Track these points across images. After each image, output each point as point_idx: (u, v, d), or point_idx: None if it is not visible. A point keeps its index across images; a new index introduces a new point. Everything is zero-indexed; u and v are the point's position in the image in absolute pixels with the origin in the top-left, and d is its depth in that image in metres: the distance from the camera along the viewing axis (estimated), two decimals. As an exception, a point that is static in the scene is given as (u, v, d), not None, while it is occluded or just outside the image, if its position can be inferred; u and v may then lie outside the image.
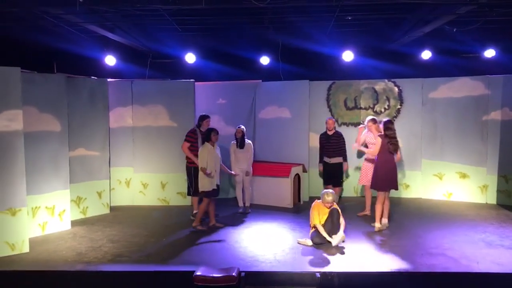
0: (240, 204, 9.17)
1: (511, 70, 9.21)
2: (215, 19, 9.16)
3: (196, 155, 7.92)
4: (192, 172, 8.21)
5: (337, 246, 6.80)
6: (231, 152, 9.00)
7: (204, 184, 7.69)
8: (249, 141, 9.09)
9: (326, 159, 9.08)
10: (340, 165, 9.05)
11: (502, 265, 6.02)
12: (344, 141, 9.10)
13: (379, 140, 7.66)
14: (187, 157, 8.34)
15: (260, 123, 10.44)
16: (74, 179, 8.40)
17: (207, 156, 7.65)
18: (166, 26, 9.57)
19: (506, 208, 8.99)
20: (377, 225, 7.68)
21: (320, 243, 6.89)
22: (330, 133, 9.09)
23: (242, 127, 9.02)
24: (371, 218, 8.19)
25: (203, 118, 8.47)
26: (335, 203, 7.06)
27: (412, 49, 10.29)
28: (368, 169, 8.39)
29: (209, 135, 7.75)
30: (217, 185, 7.84)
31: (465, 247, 6.79)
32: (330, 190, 7.10)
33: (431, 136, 10.07)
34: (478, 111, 9.58)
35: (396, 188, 7.91)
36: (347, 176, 10.23)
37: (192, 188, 8.29)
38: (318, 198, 7.17)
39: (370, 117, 8.53)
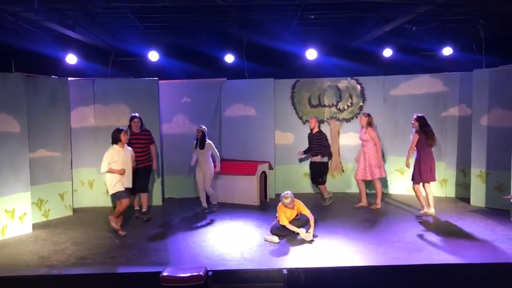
0: (204, 204, 8.95)
1: (467, 67, 9.52)
2: (178, 16, 9.09)
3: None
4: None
5: (303, 240, 6.97)
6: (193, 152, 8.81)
7: (109, 186, 7.55)
8: (210, 141, 8.85)
9: (311, 158, 9.32)
10: (321, 164, 9.16)
11: (462, 256, 6.24)
12: (325, 141, 9.20)
13: (416, 136, 8.18)
14: None
15: (225, 122, 10.43)
16: (35, 181, 8.17)
17: (115, 158, 7.43)
18: (129, 24, 9.43)
19: (464, 201, 9.32)
20: (432, 210, 8.22)
21: (278, 235, 7.07)
22: (313, 132, 9.25)
23: (203, 127, 8.83)
24: (351, 212, 8.34)
25: (131, 118, 8.45)
26: (296, 200, 7.16)
27: (373, 47, 10.50)
28: (371, 164, 8.85)
29: (118, 136, 7.53)
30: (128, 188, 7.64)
31: (426, 239, 7.01)
32: (287, 192, 7.11)
33: (392, 132, 10.31)
34: (437, 107, 9.87)
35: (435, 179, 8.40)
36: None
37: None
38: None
39: (365, 111, 9.08)
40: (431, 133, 8.21)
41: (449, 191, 9.89)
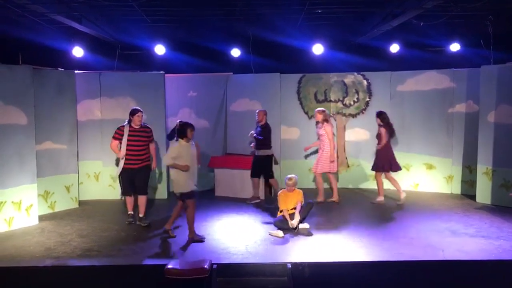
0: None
1: (475, 63, 9.46)
2: (185, 10, 9.08)
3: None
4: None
5: (307, 234, 7.01)
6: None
7: (184, 184, 6.83)
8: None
9: (255, 151, 9.20)
10: (267, 158, 9.12)
11: (467, 253, 6.23)
12: (269, 134, 9.10)
13: (383, 130, 8.83)
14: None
15: (231, 116, 10.44)
16: (41, 173, 8.21)
17: (183, 154, 6.75)
18: (135, 17, 9.43)
19: (470, 198, 9.28)
20: (403, 196, 8.93)
21: (282, 228, 7.12)
22: (259, 125, 9.15)
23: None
24: (356, 207, 8.35)
25: (133, 112, 7.65)
26: (297, 189, 7.34)
27: (380, 42, 10.45)
28: (324, 158, 8.84)
29: (185, 131, 6.86)
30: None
31: (431, 235, 6.99)
32: (292, 175, 7.39)
33: (398, 128, 10.22)
34: (444, 104, 9.83)
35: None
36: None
37: (122, 189, 7.89)
38: None
39: (320, 108, 9.07)
40: (392, 127, 8.97)
41: (455, 187, 9.85)
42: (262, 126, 9.13)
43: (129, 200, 7.87)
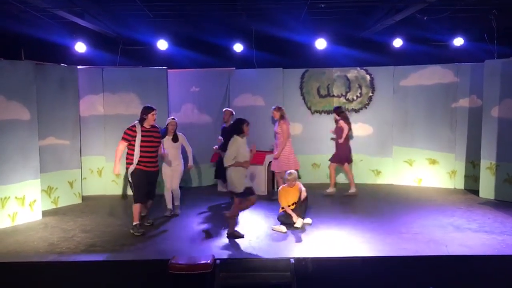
0: (169, 206, 7.91)
1: (478, 58, 9.41)
2: (187, 5, 9.06)
3: (130, 156, 6.79)
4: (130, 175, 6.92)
5: (303, 228, 7.07)
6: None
7: (238, 184, 6.61)
8: (182, 134, 7.96)
9: (221, 153, 8.61)
10: None
11: (470, 248, 6.21)
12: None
13: (343, 124, 9.12)
14: (127, 157, 6.93)
15: (234, 111, 10.39)
16: (44, 168, 8.23)
17: (241, 150, 6.55)
18: (137, 12, 9.41)
19: (473, 193, 9.26)
20: (353, 189, 9.27)
21: (285, 222, 7.15)
22: (226, 125, 8.89)
23: (176, 119, 7.93)
24: (359, 203, 8.34)
25: (148, 110, 6.93)
26: (298, 184, 7.38)
27: (383, 37, 10.40)
28: (289, 156, 8.76)
29: (241, 128, 6.62)
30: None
31: (434, 231, 6.98)
32: (291, 170, 7.43)
33: (401, 123, 10.26)
34: (447, 98, 9.79)
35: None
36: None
37: (134, 194, 6.99)
38: None
39: (277, 106, 9.03)
40: (349, 120, 9.35)
41: (458, 182, 9.83)
42: (229, 128, 8.50)
43: (141, 207, 7.09)
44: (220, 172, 8.75)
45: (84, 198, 9.13)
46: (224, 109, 9.18)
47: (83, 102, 9.39)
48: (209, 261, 5.48)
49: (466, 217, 7.66)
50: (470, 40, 10.34)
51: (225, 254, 6.07)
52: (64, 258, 6.05)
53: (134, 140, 6.81)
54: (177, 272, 5.40)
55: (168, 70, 9.66)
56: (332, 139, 9.63)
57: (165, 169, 7.80)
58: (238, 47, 10.55)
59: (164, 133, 7.68)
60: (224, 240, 6.70)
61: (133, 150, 6.84)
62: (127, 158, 6.93)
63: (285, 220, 7.19)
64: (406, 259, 5.94)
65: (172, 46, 10.53)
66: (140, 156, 6.82)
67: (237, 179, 6.55)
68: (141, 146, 6.84)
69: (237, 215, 6.95)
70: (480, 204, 8.48)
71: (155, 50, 10.54)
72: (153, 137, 6.99)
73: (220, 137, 8.80)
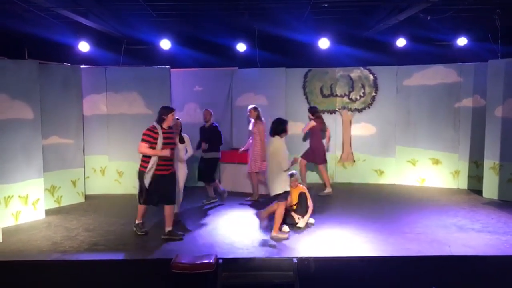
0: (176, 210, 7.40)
1: (482, 58, 9.39)
2: (190, 5, 9.06)
3: (148, 159, 6.47)
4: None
5: (306, 226, 7.07)
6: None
7: (280, 187, 6.53)
8: (186, 135, 7.73)
9: (202, 154, 8.71)
10: (214, 161, 8.76)
11: (473, 248, 6.20)
12: (219, 135, 8.70)
13: (313, 123, 9.21)
14: (142, 159, 6.62)
15: (237, 111, 10.43)
16: (47, 167, 8.25)
17: (286, 150, 6.52)
18: (141, 12, 9.42)
19: (476, 193, 9.23)
20: (329, 189, 9.30)
21: (289, 223, 7.12)
22: (206, 125, 8.75)
23: (180, 119, 7.79)
24: (362, 203, 8.33)
25: (168, 111, 6.65)
26: (300, 185, 7.35)
27: (387, 36, 10.38)
28: (258, 156, 8.73)
29: (284, 127, 6.59)
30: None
31: (438, 231, 6.96)
32: (293, 171, 7.32)
33: (405, 123, 10.24)
34: (450, 98, 9.77)
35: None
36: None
37: (143, 196, 6.70)
38: None
39: (253, 105, 9.00)
40: (323, 120, 9.42)
41: (461, 182, 9.81)
42: (210, 129, 8.66)
43: (144, 208, 6.94)
44: (205, 175, 8.73)
45: (87, 197, 9.15)
46: (204, 109, 8.92)
47: (86, 101, 9.41)
48: (211, 261, 5.48)
49: (469, 217, 7.64)
50: (474, 40, 10.30)
51: (227, 254, 6.07)
52: (67, 257, 6.07)
53: (154, 143, 6.45)
54: (179, 271, 5.40)
55: (171, 69, 9.66)
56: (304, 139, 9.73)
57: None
58: (241, 47, 10.55)
59: None
60: (226, 239, 6.70)
61: None
62: (142, 161, 6.58)
63: (289, 221, 7.16)
64: (409, 259, 5.93)
65: (175, 46, 10.53)
66: (158, 159, 6.50)
67: (282, 180, 6.53)
68: (164, 149, 6.51)
69: (271, 216, 6.83)
70: (484, 204, 8.46)
71: (158, 49, 10.55)
72: (172, 138, 6.72)
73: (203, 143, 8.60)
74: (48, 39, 9.81)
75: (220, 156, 8.98)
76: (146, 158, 6.56)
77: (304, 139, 10.00)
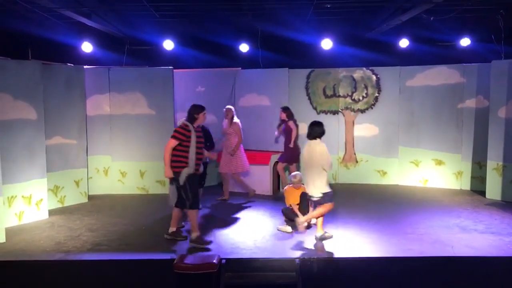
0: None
1: (485, 58, 9.37)
2: (193, 5, 9.08)
3: (182, 158, 6.26)
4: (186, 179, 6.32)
5: (309, 227, 7.00)
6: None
7: (325, 187, 6.50)
8: None
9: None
10: (204, 165, 8.30)
11: (476, 249, 6.19)
12: (209, 136, 8.11)
13: (292, 124, 8.99)
14: (176, 160, 6.32)
15: (240, 111, 10.40)
16: (51, 167, 8.27)
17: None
18: (144, 12, 9.44)
19: (479, 194, 9.22)
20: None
21: (288, 216, 7.15)
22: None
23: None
24: (365, 203, 8.35)
25: (200, 110, 6.49)
26: (302, 185, 7.24)
27: (390, 37, 10.38)
28: (229, 157, 8.75)
29: (323, 130, 6.59)
30: None
31: (440, 232, 6.95)
32: (296, 172, 7.40)
33: (407, 123, 10.23)
34: (453, 99, 9.75)
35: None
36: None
37: (189, 200, 6.35)
38: None
39: (229, 106, 8.99)
40: (296, 122, 9.16)
41: (465, 183, 9.79)
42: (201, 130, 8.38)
43: (176, 214, 6.64)
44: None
45: (90, 197, 9.16)
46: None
47: (90, 101, 9.43)
48: (214, 261, 5.49)
49: (472, 218, 7.62)
50: (477, 41, 10.29)
51: (230, 254, 6.07)
52: (70, 257, 6.08)
53: (187, 141, 6.29)
54: (182, 271, 5.40)
55: (174, 70, 9.67)
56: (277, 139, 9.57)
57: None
58: (244, 47, 10.57)
59: None
60: (229, 240, 6.70)
61: (184, 152, 6.28)
62: (177, 161, 6.28)
63: (288, 214, 7.16)
64: (412, 260, 5.92)
65: (178, 46, 10.56)
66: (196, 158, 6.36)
67: (325, 182, 6.49)
68: (197, 147, 6.35)
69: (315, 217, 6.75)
70: (487, 205, 8.44)
71: (161, 50, 10.58)
72: (202, 137, 6.58)
73: None
74: (51, 39, 9.85)
75: (207, 161, 8.62)
76: (179, 158, 6.30)
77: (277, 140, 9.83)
